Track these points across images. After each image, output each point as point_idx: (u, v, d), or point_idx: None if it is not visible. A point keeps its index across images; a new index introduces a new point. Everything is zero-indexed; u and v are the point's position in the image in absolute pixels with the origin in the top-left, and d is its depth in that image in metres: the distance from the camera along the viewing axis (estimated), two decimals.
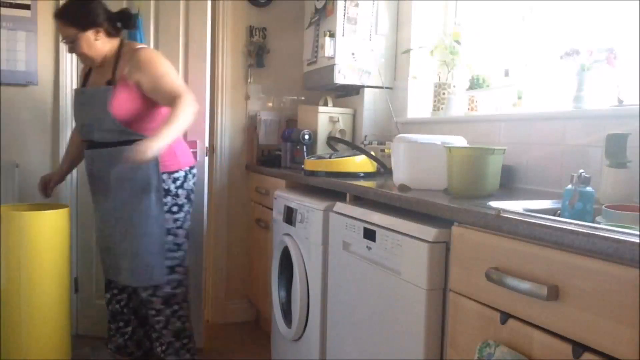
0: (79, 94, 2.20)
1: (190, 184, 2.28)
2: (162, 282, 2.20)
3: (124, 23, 2.17)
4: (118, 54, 2.13)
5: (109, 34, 2.12)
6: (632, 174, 1.41)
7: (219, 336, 2.96)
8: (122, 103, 2.07)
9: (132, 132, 2.09)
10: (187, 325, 2.31)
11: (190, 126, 2.12)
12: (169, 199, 2.18)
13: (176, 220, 2.23)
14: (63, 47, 2.79)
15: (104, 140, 2.12)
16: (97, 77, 2.18)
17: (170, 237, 2.21)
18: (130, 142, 2.01)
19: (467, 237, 1.22)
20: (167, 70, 2.09)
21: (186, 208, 2.27)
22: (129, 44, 2.19)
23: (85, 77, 2.27)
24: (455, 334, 1.26)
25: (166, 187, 2.17)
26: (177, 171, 2.21)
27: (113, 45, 2.15)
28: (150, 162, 2.01)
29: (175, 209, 2.22)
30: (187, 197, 2.26)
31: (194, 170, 2.32)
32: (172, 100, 2.01)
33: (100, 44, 2.10)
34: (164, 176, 2.16)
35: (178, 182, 2.22)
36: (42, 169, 2.82)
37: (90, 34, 2.06)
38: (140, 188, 2.10)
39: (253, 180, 3.10)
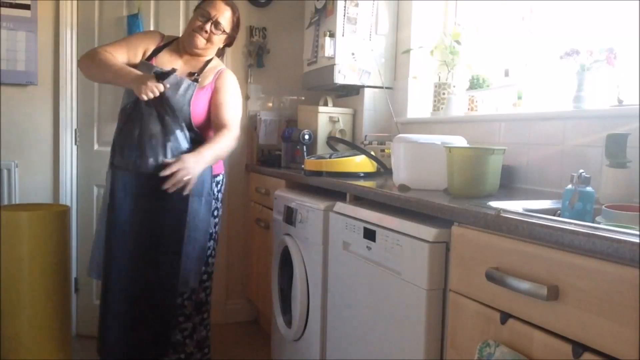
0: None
1: (223, 187, 2.29)
2: (195, 287, 2.14)
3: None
4: (209, 61, 2.19)
5: (226, 46, 2.28)
6: (632, 174, 1.41)
7: (219, 336, 2.96)
8: (201, 105, 2.10)
9: (197, 131, 2.10)
10: (209, 335, 2.27)
11: None
12: (213, 203, 2.17)
13: (216, 224, 2.23)
14: (63, 47, 2.80)
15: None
16: (174, 61, 2.16)
17: (211, 242, 2.18)
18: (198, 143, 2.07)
19: (467, 237, 1.23)
20: (237, 102, 2.20)
21: (220, 212, 2.28)
22: (217, 59, 2.26)
23: (152, 53, 2.17)
24: (455, 334, 1.26)
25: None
26: (219, 174, 2.23)
27: (214, 52, 2.24)
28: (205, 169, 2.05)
29: (216, 212, 2.22)
30: (222, 201, 2.28)
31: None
32: (222, 126, 2.09)
33: (217, 47, 2.22)
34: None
35: (219, 186, 2.23)
36: (42, 169, 2.83)
37: (226, 37, 2.20)
38: (194, 191, 2.03)
39: (253, 180, 3.10)
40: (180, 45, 2.18)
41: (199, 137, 2.09)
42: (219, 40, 2.15)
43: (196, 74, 2.12)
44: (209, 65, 2.17)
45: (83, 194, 2.89)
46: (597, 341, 0.89)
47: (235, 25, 2.20)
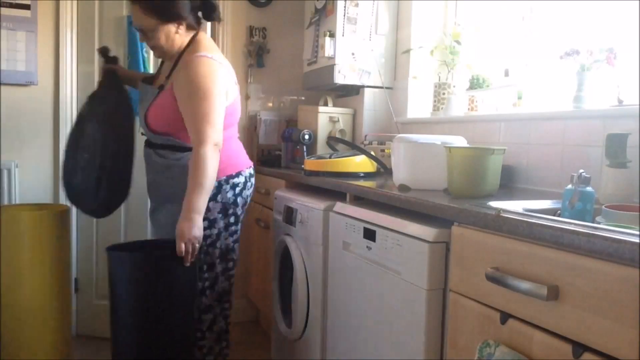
0: (141, 87, 1.98)
1: (247, 190, 1.99)
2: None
3: (207, 14, 1.91)
4: (182, 52, 1.86)
5: (190, 27, 1.86)
6: (632, 174, 1.41)
7: None
8: (159, 111, 1.85)
9: (165, 138, 1.88)
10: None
11: None
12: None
13: (233, 234, 1.99)
14: (63, 47, 2.80)
15: (149, 139, 1.94)
16: (162, 72, 1.97)
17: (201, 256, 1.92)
18: (169, 147, 1.88)
19: (467, 237, 1.23)
20: (198, 103, 1.75)
21: (241, 217, 2.01)
22: (195, 45, 1.86)
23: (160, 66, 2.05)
24: (455, 334, 1.26)
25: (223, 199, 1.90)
26: (232, 175, 1.92)
27: (186, 39, 1.87)
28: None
29: (233, 219, 1.97)
30: (243, 206, 1.99)
31: (252, 171, 2.04)
32: (194, 141, 1.75)
33: (179, 37, 1.84)
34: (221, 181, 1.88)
35: (237, 189, 1.95)
36: (42, 169, 2.83)
37: (171, 27, 1.81)
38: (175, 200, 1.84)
39: None
40: None
41: (173, 142, 1.89)
42: (165, 36, 1.82)
43: (167, 80, 1.87)
44: (180, 60, 1.86)
45: None
46: (597, 341, 0.89)
47: (160, 6, 1.78)
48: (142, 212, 2.78)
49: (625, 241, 0.84)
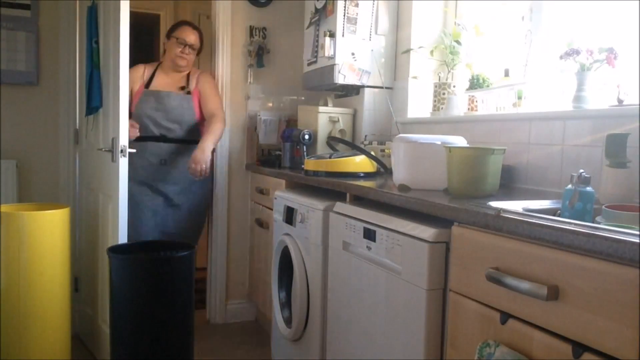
0: (161, 96, 2.75)
1: None
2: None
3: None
4: (189, 73, 2.91)
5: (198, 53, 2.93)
6: (632, 174, 1.40)
7: (219, 336, 2.96)
8: (198, 108, 2.85)
9: (198, 130, 2.82)
10: None
11: None
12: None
13: None
14: (63, 47, 2.80)
15: (180, 137, 2.80)
16: (167, 82, 2.84)
17: None
18: (190, 141, 2.78)
19: (467, 237, 1.23)
20: (217, 92, 2.97)
21: None
22: (196, 64, 3.02)
23: (149, 80, 2.82)
24: (455, 334, 1.26)
25: None
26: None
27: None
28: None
29: None
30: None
31: None
32: (212, 115, 2.80)
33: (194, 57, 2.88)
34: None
35: None
36: (42, 169, 2.83)
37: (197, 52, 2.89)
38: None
39: (253, 180, 3.10)
40: (165, 66, 2.87)
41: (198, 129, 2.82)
42: (193, 57, 2.88)
43: (187, 88, 2.84)
44: (191, 76, 2.89)
45: (83, 194, 2.89)
46: (597, 341, 0.89)
47: (202, 41, 2.90)
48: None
49: (625, 241, 0.84)
